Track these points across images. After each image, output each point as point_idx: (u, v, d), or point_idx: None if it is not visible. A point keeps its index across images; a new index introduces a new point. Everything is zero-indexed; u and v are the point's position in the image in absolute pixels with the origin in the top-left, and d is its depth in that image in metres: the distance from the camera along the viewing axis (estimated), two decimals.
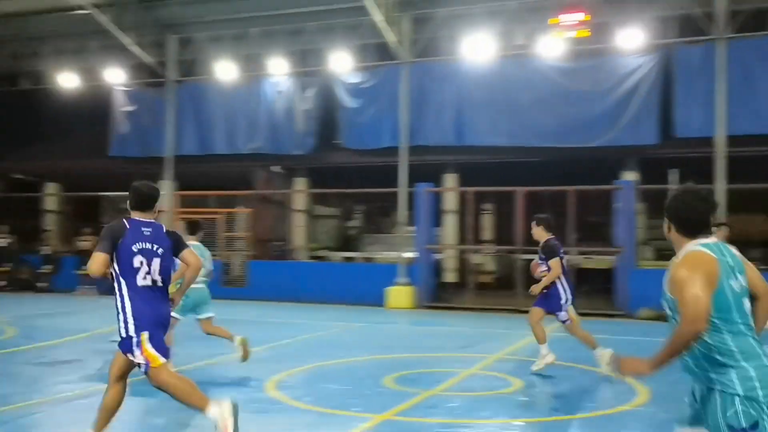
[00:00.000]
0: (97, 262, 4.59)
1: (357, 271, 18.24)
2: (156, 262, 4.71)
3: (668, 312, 3.23)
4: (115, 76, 19.67)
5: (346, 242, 22.59)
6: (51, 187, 22.88)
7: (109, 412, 4.83)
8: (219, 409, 4.56)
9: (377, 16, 16.06)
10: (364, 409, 6.40)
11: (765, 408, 2.98)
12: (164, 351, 4.68)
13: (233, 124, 19.28)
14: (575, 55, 16.45)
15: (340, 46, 17.68)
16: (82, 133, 23.64)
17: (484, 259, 19.36)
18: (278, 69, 18.41)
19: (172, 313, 5.24)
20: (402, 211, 17.38)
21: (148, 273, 4.68)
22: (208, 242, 19.20)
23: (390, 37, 16.70)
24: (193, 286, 6.55)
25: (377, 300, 16.22)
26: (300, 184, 20.24)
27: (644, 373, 3.13)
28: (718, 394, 3.05)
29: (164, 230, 4.88)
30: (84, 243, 18.99)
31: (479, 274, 18.47)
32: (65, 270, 19.39)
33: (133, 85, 20.18)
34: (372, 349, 10.23)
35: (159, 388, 4.72)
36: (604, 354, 7.62)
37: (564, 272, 8.02)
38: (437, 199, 17.92)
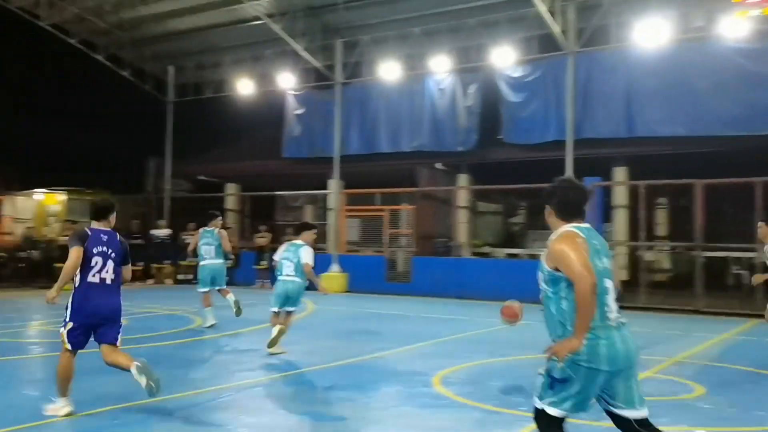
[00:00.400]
0: (76, 254, 5.67)
1: (521, 268, 17.85)
2: (109, 264, 5.77)
3: (543, 286, 3.79)
4: (288, 81, 20.76)
5: (510, 239, 22.28)
6: (231, 188, 24.58)
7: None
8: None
9: (541, 7, 15.67)
10: (531, 409, 6.24)
11: (582, 370, 3.55)
12: (75, 340, 5.78)
13: (396, 123, 19.66)
14: (761, 36, 15.06)
15: (502, 40, 17.45)
16: (258, 137, 25.26)
17: (658, 256, 18.27)
18: (440, 67, 18.51)
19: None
20: None
21: (100, 271, 5.73)
22: (374, 238, 19.97)
23: (555, 27, 16.23)
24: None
25: None
26: (462, 180, 20.22)
27: (576, 347, 3.51)
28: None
29: (118, 237, 5.95)
30: (261, 239, 20.21)
31: (653, 272, 17.46)
32: (244, 265, 20.76)
33: (304, 89, 21.18)
34: (539, 348, 9.96)
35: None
36: None
37: None
38: (606, 193, 17.15)
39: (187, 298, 16.12)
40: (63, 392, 5.77)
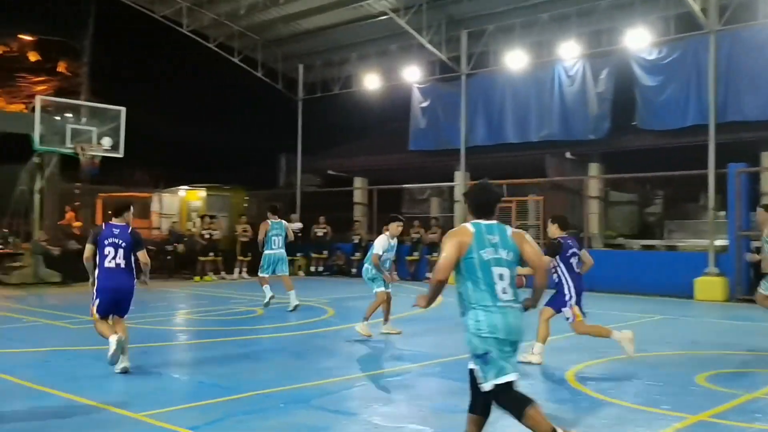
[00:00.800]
0: (87, 251, 7.23)
1: (659, 260, 17.04)
2: (120, 252, 7.14)
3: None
4: (413, 74, 20.85)
5: (645, 229, 21.24)
6: (358, 181, 25.05)
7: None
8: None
9: None
10: (674, 408, 5.93)
11: (489, 340, 4.28)
12: (103, 312, 7.21)
13: (524, 113, 19.26)
14: None
15: (636, 22, 16.64)
16: (384, 130, 25.60)
17: None
18: (569, 53, 17.94)
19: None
20: (711, 195, 15.80)
21: (114, 258, 7.10)
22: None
23: (694, 5, 15.26)
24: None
25: (682, 291, 14.99)
26: (594, 169, 19.50)
27: (423, 305, 4.59)
28: (465, 328, 4.38)
29: (129, 230, 7.27)
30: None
31: None
32: None
33: (429, 82, 21.20)
34: (679, 344, 9.48)
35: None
36: (623, 336, 7.62)
37: (571, 271, 8.02)
38: (753, 180, 15.97)
39: (319, 289, 16.65)
40: (107, 334, 7.06)
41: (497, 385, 4.34)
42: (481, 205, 4.49)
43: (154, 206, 23.47)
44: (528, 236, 4.62)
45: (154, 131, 27.16)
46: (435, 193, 23.86)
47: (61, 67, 31.70)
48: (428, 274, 19.44)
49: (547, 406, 6.08)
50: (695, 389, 6.71)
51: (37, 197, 17.02)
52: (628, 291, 15.78)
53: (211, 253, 19.58)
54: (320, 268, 21.60)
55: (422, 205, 24.33)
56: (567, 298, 7.99)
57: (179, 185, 24.02)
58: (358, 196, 24.68)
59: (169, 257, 19.98)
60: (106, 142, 16.62)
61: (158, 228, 22.80)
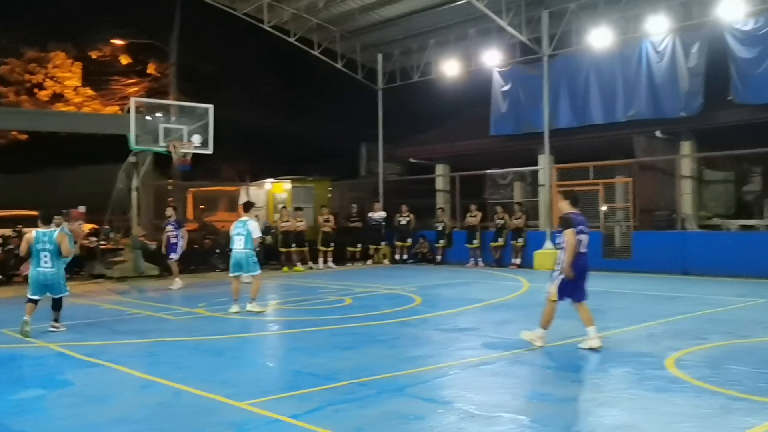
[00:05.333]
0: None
1: (759, 241, 16.25)
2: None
3: None
4: (493, 58, 20.56)
5: (743, 209, 20.27)
6: (440, 168, 24.98)
7: None
8: None
9: None
10: None
11: None
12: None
13: (609, 92, 18.67)
14: None
15: None
16: (465, 116, 25.40)
17: None
18: (657, 27, 17.24)
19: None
20: None
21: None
22: (588, 214, 19.18)
23: None
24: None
25: None
26: (686, 148, 18.73)
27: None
28: None
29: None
30: (471, 219, 20.35)
31: None
32: (457, 244, 21.05)
33: (509, 65, 20.85)
34: None
35: None
36: (534, 335, 7.98)
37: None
38: None
39: (403, 278, 16.75)
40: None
41: None
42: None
43: (241, 199, 24.10)
44: None
45: (239, 126, 27.92)
46: (518, 177, 23.52)
47: (151, 69, 33.08)
48: (514, 260, 19.25)
49: (644, 395, 5.98)
50: None
51: (134, 195, 17.80)
52: (725, 274, 15.15)
53: (294, 244, 19.89)
54: (404, 256, 21.70)
55: (505, 190, 24.02)
56: (556, 273, 7.93)
57: (265, 178, 24.60)
58: (440, 183, 24.61)
59: (257, 249, 20.43)
60: (196, 139, 17.17)
61: None
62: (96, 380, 6.90)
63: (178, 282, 15.07)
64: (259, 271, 11.53)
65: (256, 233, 11.56)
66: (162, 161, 19.00)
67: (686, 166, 18.66)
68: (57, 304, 9.57)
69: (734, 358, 7.27)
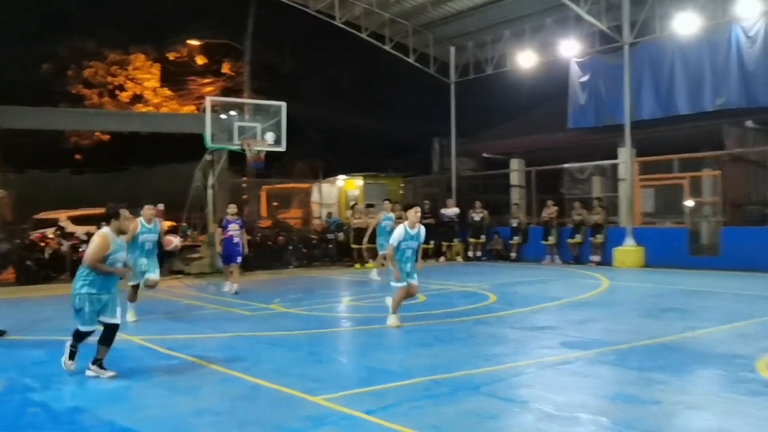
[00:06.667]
0: None
1: None
2: None
3: None
4: (571, 48, 19.94)
5: None
6: (515, 163, 24.48)
7: None
8: None
9: None
10: None
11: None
12: None
13: (696, 81, 17.80)
14: None
15: None
16: (541, 109, 24.82)
17: None
18: (748, 11, 16.30)
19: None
20: None
21: None
22: (673, 209, 18.42)
23: None
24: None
25: None
26: None
27: None
28: None
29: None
30: (548, 214, 19.82)
31: None
32: (532, 240, 20.56)
33: (588, 55, 20.19)
34: None
35: None
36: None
37: None
38: None
39: (478, 275, 16.45)
40: None
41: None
42: None
43: (314, 196, 24.29)
44: None
45: (313, 124, 28.18)
46: (597, 172, 22.78)
47: (225, 68, 33.82)
48: (592, 257, 18.64)
49: (734, 398, 5.58)
50: None
51: (210, 192, 18.14)
52: None
53: (366, 241, 19.72)
54: (478, 253, 21.34)
55: (583, 185, 23.31)
56: None
57: (337, 175, 24.69)
58: (515, 178, 24.11)
59: (330, 245, 20.58)
60: (270, 137, 17.35)
61: (318, 217, 23.58)
62: (178, 373, 7.01)
63: (234, 286, 13.34)
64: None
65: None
66: (237, 159, 19.30)
67: None
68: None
69: None
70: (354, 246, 19.89)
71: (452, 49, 23.41)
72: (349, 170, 24.71)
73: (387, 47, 22.36)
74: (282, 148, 17.75)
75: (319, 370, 6.93)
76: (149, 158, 26.35)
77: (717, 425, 4.98)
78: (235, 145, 17.27)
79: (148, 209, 10.18)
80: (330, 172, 25.46)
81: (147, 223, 10.14)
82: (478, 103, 25.78)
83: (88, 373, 6.69)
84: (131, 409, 5.73)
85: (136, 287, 10.20)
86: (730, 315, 9.72)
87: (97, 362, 6.72)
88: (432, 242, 21.26)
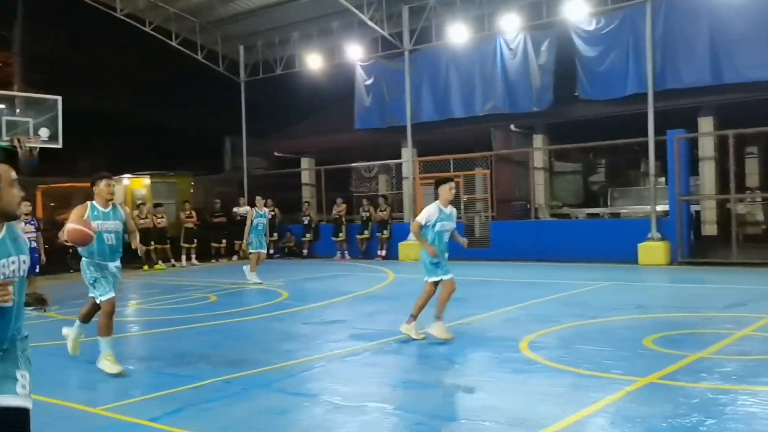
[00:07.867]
0: None
1: (603, 228, 17.50)
2: None
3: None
4: (356, 52, 20.72)
5: (590, 198, 21.77)
6: (306, 162, 24.89)
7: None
8: None
9: None
10: (625, 372, 6.14)
11: None
12: None
13: (468, 87, 19.35)
14: None
15: None
16: (330, 110, 25.43)
17: (751, 208, 17.50)
18: (510, 25, 18.07)
19: None
20: (652, 162, 16.27)
21: None
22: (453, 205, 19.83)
23: None
24: None
25: (627, 257, 15.48)
26: (538, 141, 19.82)
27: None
28: None
29: None
30: (338, 211, 20.44)
31: (745, 225, 16.75)
32: (324, 237, 21.09)
33: (372, 59, 21.09)
34: (628, 309, 9.78)
35: None
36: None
37: None
38: (691, 145, 16.49)
39: (271, 272, 16.53)
40: None
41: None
42: None
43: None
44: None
45: (94, 119, 26.42)
46: (383, 170, 23.90)
47: None
48: (380, 252, 19.55)
49: (503, 377, 6.26)
50: (644, 352, 6.95)
51: None
52: (575, 259, 16.17)
53: (152, 242, 19.01)
54: (271, 251, 21.41)
55: (370, 184, 24.35)
56: None
57: (123, 173, 23.43)
58: (306, 176, 24.54)
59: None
60: (44, 132, 16.13)
61: None
62: None
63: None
64: None
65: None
66: (8, 157, 17.60)
67: (539, 158, 19.75)
68: None
69: (584, 339, 7.77)
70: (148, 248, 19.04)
71: (241, 48, 23.24)
72: (137, 168, 23.56)
73: (173, 43, 21.63)
74: (58, 144, 16.53)
75: (99, 379, 6.62)
76: None
77: (490, 403, 5.47)
78: (4, 142, 15.79)
79: None
80: (116, 170, 24.03)
81: None
82: (270, 103, 25.83)
83: None
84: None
85: None
86: (500, 301, 10.74)
87: None
88: (224, 241, 21.03)
